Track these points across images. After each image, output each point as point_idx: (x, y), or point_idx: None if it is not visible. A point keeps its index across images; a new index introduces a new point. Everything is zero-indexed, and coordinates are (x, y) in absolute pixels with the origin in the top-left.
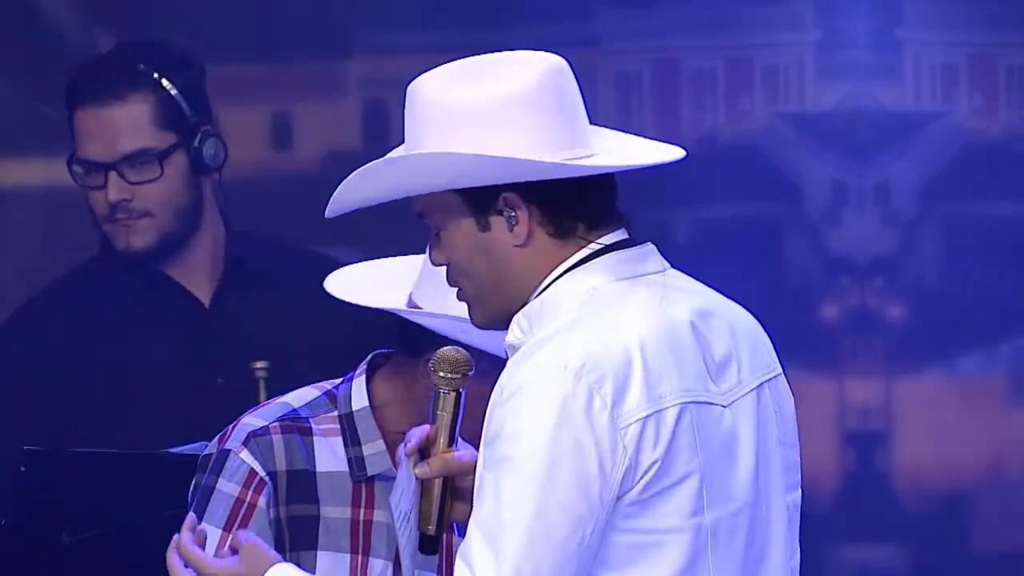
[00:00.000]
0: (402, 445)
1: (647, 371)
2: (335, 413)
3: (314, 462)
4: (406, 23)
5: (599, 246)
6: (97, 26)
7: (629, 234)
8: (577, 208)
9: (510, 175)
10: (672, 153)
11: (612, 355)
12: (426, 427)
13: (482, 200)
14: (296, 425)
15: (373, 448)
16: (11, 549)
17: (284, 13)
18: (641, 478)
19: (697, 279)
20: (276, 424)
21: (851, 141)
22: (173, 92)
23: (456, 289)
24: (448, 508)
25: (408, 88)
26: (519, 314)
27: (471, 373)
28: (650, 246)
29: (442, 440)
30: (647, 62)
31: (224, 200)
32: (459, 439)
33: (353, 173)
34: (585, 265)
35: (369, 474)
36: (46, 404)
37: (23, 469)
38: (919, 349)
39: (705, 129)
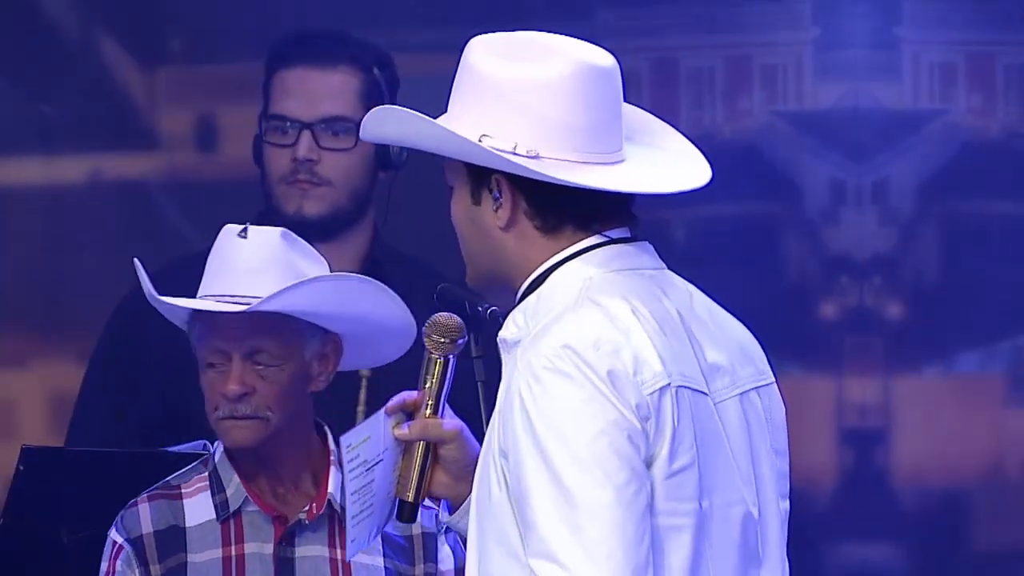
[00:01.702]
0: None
1: (654, 347)
2: (205, 473)
3: (184, 519)
4: (404, 22)
5: (594, 240)
6: (96, 25)
7: (632, 234)
8: (563, 208)
9: (469, 157)
10: (675, 183)
11: (621, 330)
12: (415, 392)
13: (477, 174)
14: (165, 493)
15: (232, 487)
16: (10, 548)
17: (283, 13)
18: (663, 449)
19: (696, 278)
20: (145, 496)
21: (850, 140)
22: (380, 78)
23: None
24: (428, 477)
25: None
26: (516, 310)
27: (462, 342)
28: (646, 244)
29: (427, 406)
30: (645, 61)
31: (384, 217)
32: (446, 408)
33: (372, 110)
34: (580, 257)
35: (232, 510)
36: (157, 403)
37: (21, 468)
38: (918, 348)
39: (703, 128)
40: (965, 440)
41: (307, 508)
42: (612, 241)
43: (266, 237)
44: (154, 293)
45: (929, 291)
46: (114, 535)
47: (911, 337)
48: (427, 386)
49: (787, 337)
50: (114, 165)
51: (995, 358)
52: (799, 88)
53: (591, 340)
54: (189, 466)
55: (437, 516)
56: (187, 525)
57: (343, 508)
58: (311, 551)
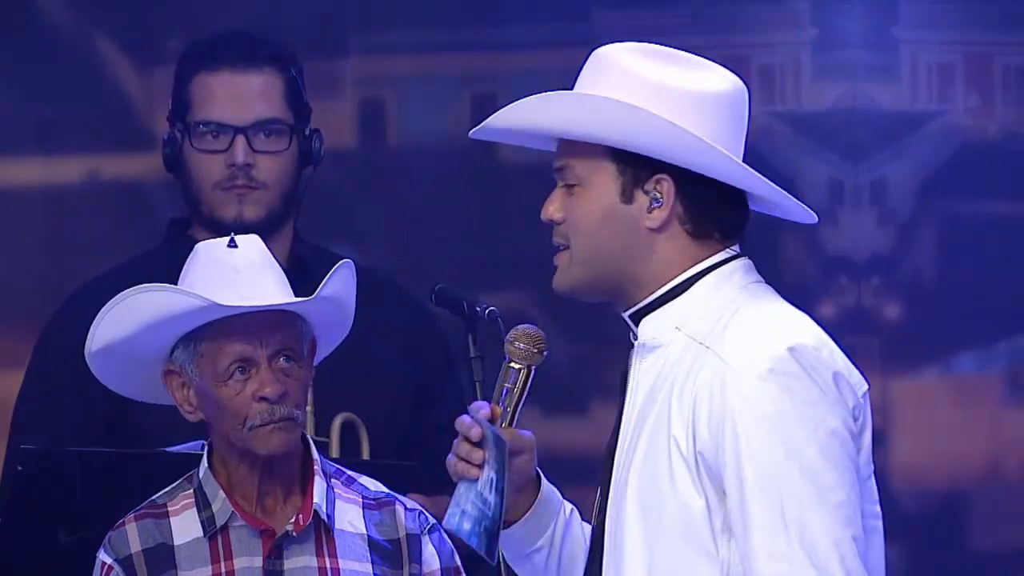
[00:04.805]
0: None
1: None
2: (191, 489)
3: (172, 537)
4: (402, 22)
5: (732, 252)
6: (93, 26)
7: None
8: (718, 215)
9: (682, 151)
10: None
11: (825, 333)
12: (486, 403)
13: (637, 173)
14: (151, 512)
15: (218, 502)
16: (7, 548)
17: (280, 13)
18: (863, 451)
19: None
20: (132, 516)
21: (847, 140)
22: (296, 76)
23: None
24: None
25: (595, 53)
26: (657, 313)
27: (547, 353)
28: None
29: (506, 417)
30: None
31: (298, 209)
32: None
33: (538, 95)
34: (727, 265)
35: (219, 525)
36: (105, 391)
37: (19, 468)
38: (916, 348)
39: None
40: (963, 441)
41: (293, 520)
42: (740, 255)
43: (254, 242)
44: (203, 301)
45: (927, 292)
46: (103, 556)
47: (909, 338)
48: (508, 396)
49: None
50: (112, 165)
51: (993, 359)
52: (797, 88)
53: (812, 342)
54: (174, 484)
55: (420, 515)
56: (175, 543)
57: (329, 516)
58: (300, 562)
